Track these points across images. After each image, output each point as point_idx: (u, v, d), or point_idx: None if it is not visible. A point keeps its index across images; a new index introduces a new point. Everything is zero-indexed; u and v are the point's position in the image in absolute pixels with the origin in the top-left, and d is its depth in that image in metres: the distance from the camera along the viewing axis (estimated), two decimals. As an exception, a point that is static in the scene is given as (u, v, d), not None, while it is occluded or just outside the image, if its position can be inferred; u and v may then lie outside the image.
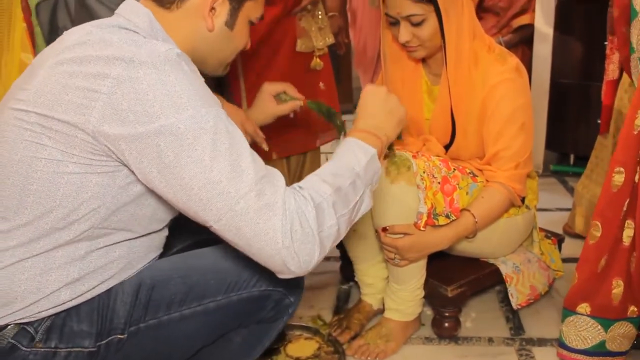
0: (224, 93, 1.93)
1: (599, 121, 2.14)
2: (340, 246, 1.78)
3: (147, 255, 1.11)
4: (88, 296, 1.02)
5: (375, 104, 1.19)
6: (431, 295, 1.61)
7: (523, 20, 3.04)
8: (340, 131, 1.61)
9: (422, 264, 1.54)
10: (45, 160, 0.94)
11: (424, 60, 1.61)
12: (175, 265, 1.12)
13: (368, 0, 3.89)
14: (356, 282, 1.77)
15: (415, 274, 1.54)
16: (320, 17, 2.28)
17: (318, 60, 2.04)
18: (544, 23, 2.91)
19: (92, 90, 0.91)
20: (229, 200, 0.91)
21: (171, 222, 1.15)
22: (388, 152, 1.36)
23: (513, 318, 1.71)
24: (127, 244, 1.05)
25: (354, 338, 1.61)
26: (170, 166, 0.91)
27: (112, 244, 1.03)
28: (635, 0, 1.37)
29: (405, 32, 1.46)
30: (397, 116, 1.19)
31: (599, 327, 1.40)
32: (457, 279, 1.59)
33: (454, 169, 1.49)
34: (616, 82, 2.00)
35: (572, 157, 3.14)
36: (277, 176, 0.98)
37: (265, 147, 1.59)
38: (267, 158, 2.13)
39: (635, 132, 1.30)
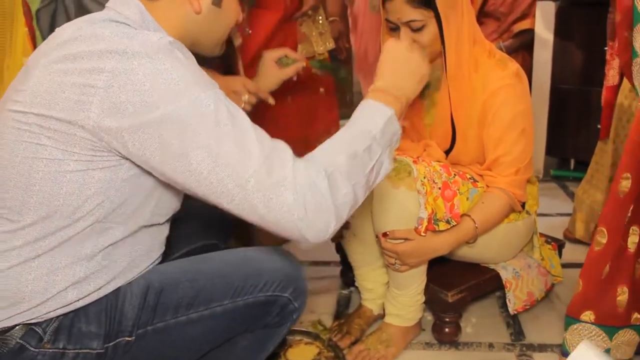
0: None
1: (599, 126, 2.14)
2: (341, 251, 1.78)
3: (149, 254, 1.11)
4: (95, 296, 1.02)
5: (395, 61, 1.14)
6: (432, 301, 1.61)
7: (524, 25, 3.04)
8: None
9: (423, 269, 1.54)
10: (46, 160, 0.94)
11: (424, 66, 1.61)
12: (183, 269, 1.13)
13: (369, 5, 3.90)
14: (356, 287, 1.77)
15: (416, 279, 1.54)
16: (320, 22, 2.28)
17: None
18: (544, 28, 2.91)
19: (88, 86, 0.91)
20: (239, 181, 0.90)
21: (172, 218, 1.15)
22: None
23: (513, 323, 1.71)
24: (130, 241, 1.05)
25: (354, 343, 1.61)
26: (176, 154, 0.91)
27: (116, 242, 1.02)
28: (638, 4, 1.36)
29: (405, 38, 1.46)
30: (418, 74, 1.15)
31: (604, 335, 1.39)
32: (457, 284, 1.59)
33: (455, 175, 1.49)
34: (616, 88, 2.00)
35: (572, 162, 3.14)
36: (284, 150, 0.97)
37: (271, 101, 1.60)
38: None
39: None
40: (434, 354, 1.58)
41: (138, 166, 0.97)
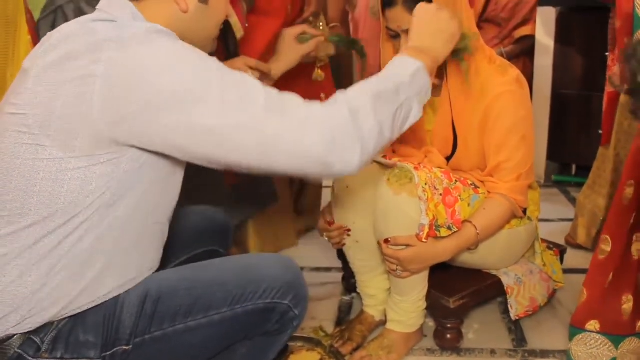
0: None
1: (600, 132, 2.15)
2: (342, 257, 1.78)
3: (147, 258, 1.10)
4: (93, 302, 1.02)
5: (424, 22, 1.21)
6: (433, 307, 1.61)
7: (525, 31, 3.05)
8: (362, 57, 1.66)
9: (424, 275, 1.53)
10: (47, 161, 0.95)
11: (425, 72, 1.62)
12: (181, 276, 1.12)
13: (369, 11, 3.91)
14: (358, 294, 1.76)
15: (417, 286, 1.54)
16: (321, 28, 2.29)
17: (319, 71, 2.05)
18: (544, 34, 2.92)
19: (86, 77, 0.92)
20: (257, 134, 0.93)
21: (170, 222, 1.15)
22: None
23: (515, 330, 1.71)
24: (128, 242, 1.04)
25: (356, 349, 1.61)
26: (191, 126, 0.92)
27: (114, 242, 1.02)
28: (639, 10, 1.37)
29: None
30: (447, 33, 1.20)
31: (610, 344, 1.38)
32: (459, 290, 1.59)
33: (456, 181, 1.49)
34: (617, 94, 2.01)
35: (573, 167, 3.14)
36: (293, 96, 0.99)
37: (273, 73, 1.63)
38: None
39: None
40: (436, 361, 1.58)
41: (140, 153, 0.98)
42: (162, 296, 1.07)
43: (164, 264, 1.20)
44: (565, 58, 2.90)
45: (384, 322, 1.64)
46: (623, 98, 1.97)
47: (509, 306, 1.64)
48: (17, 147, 0.96)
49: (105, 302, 1.04)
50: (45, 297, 0.98)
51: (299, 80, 2.05)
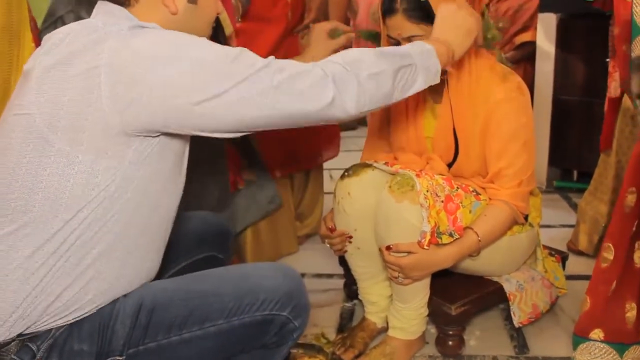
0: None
1: (600, 137, 2.15)
2: (344, 264, 1.78)
3: (147, 255, 1.10)
4: (90, 309, 1.02)
5: (444, 19, 1.32)
6: (435, 314, 1.61)
7: (526, 37, 3.07)
8: None
9: (426, 282, 1.53)
10: (54, 156, 0.96)
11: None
12: (177, 287, 1.11)
13: (370, 17, 3.92)
14: (360, 300, 1.76)
15: (419, 293, 1.54)
16: (322, 34, 2.30)
17: None
18: (545, 40, 2.92)
19: (92, 69, 0.94)
20: (268, 84, 1.00)
21: (171, 227, 1.15)
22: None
23: (517, 336, 1.71)
24: (127, 245, 1.04)
25: (357, 357, 1.60)
26: (207, 98, 0.96)
27: (114, 245, 1.02)
28: (637, 18, 1.37)
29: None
30: (464, 27, 1.30)
31: (614, 352, 1.37)
32: (461, 297, 1.59)
33: (457, 188, 1.49)
34: (618, 100, 2.01)
35: (575, 173, 3.14)
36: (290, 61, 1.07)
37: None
38: (271, 176, 2.15)
39: None
40: (438, 368, 1.58)
41: (145, 146, 1.00)
42: (156, 306, 1.05)
43: (163, 269, 1.19)
44: (566, 64, 2.91)
45: (385, 329, 1.64)
46: (624, 104, 1.98)
47: (511, 313, 1.64)
48: (24, 147, 0.97)
49: (101, 309, 1.04)
50: (40, 303, 0.98)
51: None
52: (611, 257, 1.33)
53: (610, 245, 1.34)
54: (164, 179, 1.06)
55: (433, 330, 1.69)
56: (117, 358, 1.03)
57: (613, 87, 2.04)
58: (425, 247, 1.42)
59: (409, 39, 1.44)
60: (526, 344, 1.67)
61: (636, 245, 1.33)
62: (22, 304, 0.97)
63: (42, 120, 0.95)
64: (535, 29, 2.97)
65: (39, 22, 1.61)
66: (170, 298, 1.07)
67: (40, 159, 0.96)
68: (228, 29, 1.80)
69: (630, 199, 1.30)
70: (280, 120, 1.03)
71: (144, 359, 1.05)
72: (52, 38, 1.02)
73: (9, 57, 1.42)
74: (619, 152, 2.03)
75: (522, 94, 1.54)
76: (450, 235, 1.45)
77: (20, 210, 0.97)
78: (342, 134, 2.62)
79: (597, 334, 1.38)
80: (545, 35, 2.92)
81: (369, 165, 1.61)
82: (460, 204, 1.47)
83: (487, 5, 3.07)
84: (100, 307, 1.03)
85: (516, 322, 1.64)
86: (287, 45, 2.14)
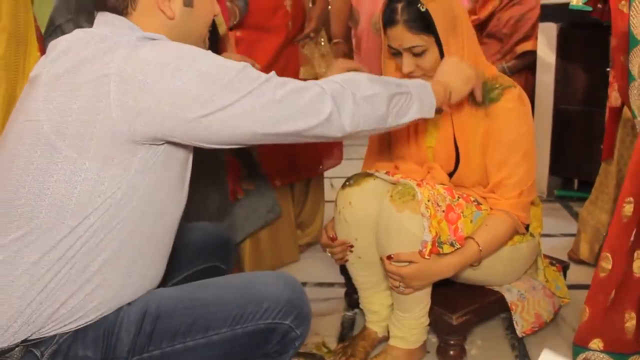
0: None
1: (602, 146, 2.15)
2: (345, 273, 1.78)
3: (152, 264, 1.10)
4: (92, 316, 1.02)
5: (445, 66, 1.41)
6: (436, 323, 1.61)
7: (527, 46, 3.07)
8: None
9: (427, 291, 1.53)
10: (62, 163, 0.96)
11: (427, 89, 1.63)
12: (181, 295, 1.12)
13: (371, 27, 3.94)
14: (361, 309, 1.76)
15: (420, 302, 1.54)
16: (322, 44, 2.31)
17: None
18: (546, 49, 2.93)
19: (102, 77, 0.95)
20: (269, 98, 1.02)
21: (175, 236, 1.16)
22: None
23: (518, 346, 1.70)
24: (131, 254, 1.05)
25: (358, 366, 1.60)
26: (212, 111, 0.98)
27: (118, 252, 1.03)
28: (634, 29, 1.38)
29: (408, 63, 1.48)
30: (464, 75, 1.40)
31: None
32: (462, 306, 1.59)
33: (458, 197, 1.50)
34: (619, 109, 2.01)
35: (576, 182, 3.14)
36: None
37: (257, 66, 1.64)
38: (271, 185, 2.16)
39: None
40: (439, 377, 1.58)
41: (151, 154, 1.01)
42: (161, 314, 1.06)
43: (165, 279, 1.20)
44: (566, 73, 2.92)
45: (386, 338, 1.63)
46: (625, 114, 1.98)
47: (514, 323, 1.63)
48: (32, 153, 0.98)
49: (106, 316, 1.04)
50: (49, 303, 0.98)
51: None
52: (609, 266, 1.33)
53: (609, 254, 1.34)
54: (168, 187, 1.07)
55: (434, 339, 1.69)
56: None
57: (614, 97, 2.04)
58: (427, 256, 1.42)
59: (410, 49, 1.45)
60: (527, 353, 1.67)
61: (635, 254, 1.33)
62: (27, 310, 0.98)
63: (50, 127, 0.96)
64: (536, 38, 2.98)
65: (43, 31, 1.63)
66: (175, 306, 1.08)
67: (48, 166, 0.97)
68: (222, 27, 1.81)
69: (628, 208, 1.31)
70: (279, 135, 1.05)
71: None
72: (57, 46, 1.03)
73: (15, 65, 1.43)
74: (620, 161, 2.03)
75: (523, 103, 1.54)
76: (452, 245, 1.45)
77: (27, 216, 0.98)
78: (344, 142, 2.62)
79: (596, 343, 1.38)
80: (545, 44, 2.93)
81: (370, 175, 1.62)
82: (462, 214, 1.48)
83: (490, 16, 3.09)
84: (105, 314, 1.04)
85: (519, 331, 1.64)
86: (288, 54, 2.15)
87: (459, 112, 1.54)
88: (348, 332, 1.82)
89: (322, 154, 2.38)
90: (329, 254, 1.69)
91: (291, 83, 1.06)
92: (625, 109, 1.97)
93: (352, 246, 1.62)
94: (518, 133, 1.51)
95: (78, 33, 1.04)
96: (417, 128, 1.64)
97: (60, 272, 0.98)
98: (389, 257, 1.46)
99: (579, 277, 2.04)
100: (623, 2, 1.47)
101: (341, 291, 2.01)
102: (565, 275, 1.88)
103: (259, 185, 2.09)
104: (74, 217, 0.97)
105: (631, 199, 1.31)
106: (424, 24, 1.43)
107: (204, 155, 1.25)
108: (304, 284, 2.07)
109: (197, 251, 1.40)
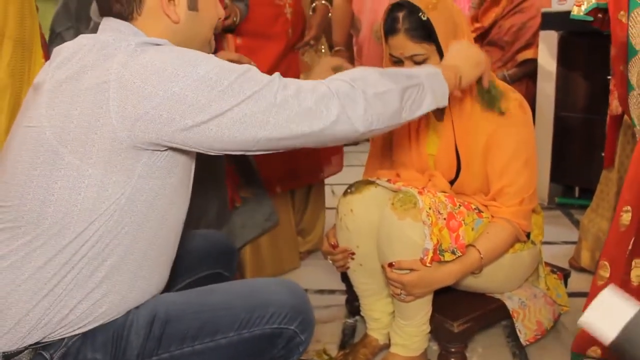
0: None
1: (603, 154, 2.16)
2: (346, 280, 1.78)
3: (156, 269, 1.11)
4: (101, 321, 1.03)
5: (454, 51, 1.37)
6: (437, 331, 1.61)
7: (528, 54, 3.08)
8: None
9: (428, 299, 1.54)
10: (65, 170, 0.97)
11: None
12: (189, 299, 1.13)
13: (373, 34, 3.95)
14: (362, 317, 1.76)
15: (421, 310, 1.54)
16: (323, 51, 2.32)
17: None
18: (547, 57, 2.94)
19: (102, 83, 0.95)
20: (269, 100, 1.00)
21: (179, 241, 1.17)
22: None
23: (520, 354, 1.70)
24: (136, 258, 1.06)
25: (359, 373, 1.61)
26: (211, 117, 0.97)
27: (123, 257, 1.03)
28: (633, 39, 1.38)
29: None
30: (473, 59, 1.35)
31: None
32: (463, 314, 1.59)
33: (460, 205, 1.50)
34: (620, 117, 2.02)
35: (577, 189, 3.14)
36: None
37: (253, 63, 1.65)
38: (271, 192, 2.16)
39: None
40: (440, 385, 1.58)
41: (153, 160, 1.01)
42: (170, 318, 1.08)
43: (169, 285, 1.20)
44: (567, 81, 2.92)
45: (387, 346, 1.64)
46: (625, 122, 1.98)
47: (517, 331, 1.64)
48: (35, 160, 0.98)
49: (115, 319, 1.05)
50: (58, 309, 0.99)
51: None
52: (607, 275, 1.34)
53: (607, 263, 1.35)
54: (171, 191, 1.07)
55: (435, 347, 1.69)
56: None
57: (614, 105, 2.05)
58: (428, 264, 1.42)
59: (411, 58, 1.46)
60: (528, 361, 1.67)
61: (633, 263, 1.33)
62: (35, 314, 0.98)
63: (53, 133, 0.97)
64: (537, 46, 2.99)
65: (47, 38, 1.64)
66: (183, 310, 1.10)
67: (51, 172, 0.97)
68: (217, 25, 1.82)
69: (626, 217, 1.31)
70: (283, 139, 1.03)
71: None
72: (61, 52, 1.04)
73: (20, 72, 1.44)
74: (620, 169, 2.03)
75: (524, 111, 1.55)
76: (453, 252, 1.45)
77: (33, 222, 0.98)
78: (345, 149, 2.63)
79: (594, 351, 1.38)
80: (546, 53, 2.94)
81: (371, 183, 1.62)
82: (463, 222, 1.48)
83: (492, 24, 3.10)
84: (113, 318, 1.05)
85: (523, 339, 1.64)
86: (288, 62, 2.16)
87: (460, 120, 1.54)
88: (349, 340, 1.82)
89: (322, 160, 2.39)
90: (330, 262, 1.70)
91: (294, 84, 1.04)
92: (626, 116, 1.97)
93: (353, 253, 1.62)
94: (519, 141, 1.52)
95: (82, 39, 1.04)
96: (418, 135, 1.64)
97: (66, 277, 0.99)
98: (390, 265, 1.46)
99: (580, 285, 2.04)
100: (622, 12, 1.47)
101: (342, 298, 2.01)
102: (566, 283, 1.88)
103: (257, 194, 2.09)
104: (79, 222, 0.98)
105: (629, 207, 1.31)
106: (425, 32, 1.44)
107: (203, 162, 1.25)
108: (305, 290, 2.06)
109: (200, 258, 1.41)
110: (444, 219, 1.45)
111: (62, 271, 0.99)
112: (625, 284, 1.34)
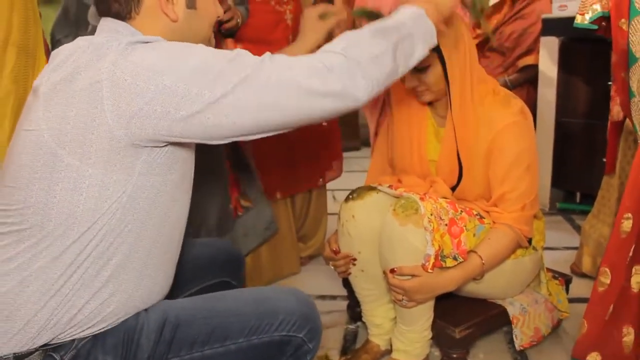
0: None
1: (604, 159, 2.16)
2: (348, 286, 1.78)
3: (159, 270, 1.11)
4: (110, 320, 1.04)
5: None
6: (439, 336, 1.61)
7: (528, 60, 3.09)
8: None
9: (430, 305, 1.54)
10: (65, 172, 0.97)
11: (430, 103, 1.64)
12: (199, 305, 1.14)
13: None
14: (364, 322, 1.77)
15: (423, 315, 1.54)
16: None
17: None
18: (548, 63, 2.95)
19: (94, 83, 0.95)
20: (263, 90, 0.99)
21: (181, 250, 1.17)
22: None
23: (521, 359, 1.70)
24: (140, 259, 1.06)
25: (361, 379, 1.61)
26: (203, 100, 0.96)
27: (127, 258, 1.04)
28: (633, 47, 1.39)
29: (411, 79, 1.50)
30: None
31: None
32: (465, 320, 1.59)
33: (461, 211, 1.51)
34: (621, 123, 2.02)
35: (578, 195, 3.14)
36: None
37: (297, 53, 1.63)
38: (271, 198, 2.16)
39: None
40: (442, 391, 1.58)
41: (153, 157, 1.01)
42: (180, 323, 1.08)
43: (176, 293, 1.21)
44: (568, 87, 2.93)
45: (389, 351, 1.64)
46: (626, 128, 1.99)
47: (514, 337, 1.64)
48: (35, 163, 0.99)
49: (124, 322, 1.05)
50: (66, 309, 1.00)
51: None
52: (608, 281, 1.34)
53: (607, 269, 1.35)
54: (173, 188, 1.08)
55: (437, 353, 1.69)
56: None
57: (615, 111, 2.06)
58: (429, 270, 1.43)
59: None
60: (530, 367, 1.67)
61: (633, 270, 1.34)
62: (43, 315, 0.99)
63: (51, 135, 0.97)
64: (538, 52, 3.00)
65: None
66: (194, 315, 1.10)
67: (52, 175, 0.98)
68: None
69: (627, 224, 1.32)
70: (282, 119, 1.02)
71: None
72: (59, 55, 1.04)
73: (24, 78, 1.45)
74: (622, 175, 2.04)
75: (525, 117, 1.55)
76: (454, 258, 1.46)
77: (37, 224, 0.99)
78: (345, 154, 2.64)
79: (594, 357, 1.38)
80: (547, 58, 2.95)
81: (373, 188, 1.63)
82: (464, 228, 1.48)
83: (494, 31, 3.10)
84: (122, 319, 1.06)
85: (518, 345, 1.64)
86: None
87: (462, 126, 1.55)
88: (351, 345, 1.82)
89: (322, 165, 2.39)
90: (332, 267, 1.70)
91: (287, 62, 1.02)
92: (627, 122, 1.98)
93: (355, 259, 1.63)
94: (520, 147, 1.52)
95: (79, 41, 1.05)
96: (420, 141, 1.65)
97: (72, 276, 1.00)
98: (392, 271, 1.46)
99: (581, 290, 2.04)
100: (623, 20, 1.48)
101: (344, 304, 2.01)
102: (567, 289, 1.88)
103: (256, 202, 2.10)
104: (82, 223, 0.99)
105: (630, 214, 1.32)
106: None
107: (204, 171, 1.25)
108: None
109: (207, 266, 1.42)
110: (446, 224, 1.46)
111: (68, 271, 0.99)
112: (625, 291, 1.34)
